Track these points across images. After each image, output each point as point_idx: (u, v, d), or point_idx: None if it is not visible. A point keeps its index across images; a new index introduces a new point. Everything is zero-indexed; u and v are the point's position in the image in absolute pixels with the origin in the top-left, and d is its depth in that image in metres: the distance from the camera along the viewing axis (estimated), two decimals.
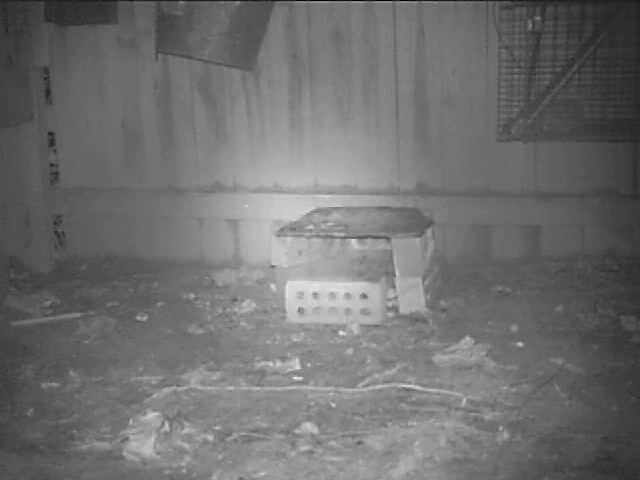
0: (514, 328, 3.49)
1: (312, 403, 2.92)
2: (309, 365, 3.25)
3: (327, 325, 3.63)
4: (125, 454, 2.60)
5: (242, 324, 3.73)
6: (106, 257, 4.63)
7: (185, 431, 2.70)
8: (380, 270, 4.03)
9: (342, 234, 3.87)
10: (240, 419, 2.82)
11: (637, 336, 3.35)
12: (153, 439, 2.61)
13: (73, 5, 4.43)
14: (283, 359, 3.27)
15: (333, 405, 2.90)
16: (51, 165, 4.68)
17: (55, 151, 4.70)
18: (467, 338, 3.29)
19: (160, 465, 2.55)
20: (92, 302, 4.04)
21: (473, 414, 2.77)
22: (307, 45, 4.34)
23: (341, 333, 3.56)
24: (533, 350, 3.27)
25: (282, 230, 3.89)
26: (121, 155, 4.61)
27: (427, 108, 4.27)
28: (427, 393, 2.94)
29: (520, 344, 3.33)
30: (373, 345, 3.42)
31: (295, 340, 3.52)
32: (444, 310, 3.75)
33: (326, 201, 4.32)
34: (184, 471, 2.53)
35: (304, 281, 3.72)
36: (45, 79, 4.61)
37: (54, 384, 3.15)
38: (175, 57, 4.37)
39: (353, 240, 4.15)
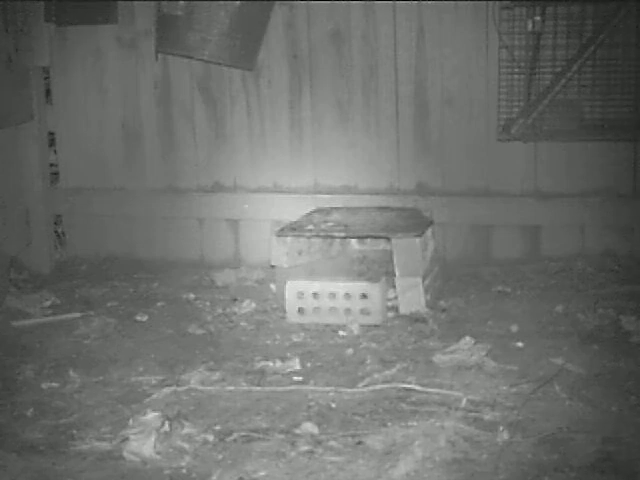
0: (514, 328, 3.49)
1: (312, 403, 2.92)
2: (309, 365, 3.25)
3: (327, 325, 3.63)
4: (125, 454, 2.60)
5: (242, 324, 3.73)
6: (106, 257, 4.63)
7: (185, 431, 2.70)
8: (380, 270, 4.03)
9: (342, 234, 3.87)
10: (240, 419, 2.82)
11: (637, 336, 3.35)
12: (153, 439, 2.61)
13: (73, 5, 4.43)
14: (283, 359, 3.27)
15: (333, 405, 2.90)
16: (51, 165, 4.68)
17: (55, 151, 4.70)
18: (467, 338, 3.29)
19: (160, 465, 2.55)
20: (92, 302, 4.04)
21: (473, 414, 2.77)
22: (307, 45, 4.34)
23: (341, 333, 3.56)
24: (533, 350, 3.27)
25: (282, 230, 3.89)
26: (121, 155, 4.61)
27: (427, 108, 4.27)
28: (427, 393, 2.94)
29: (520, 344, 3.33)
30: (373, 345, 3.42)
31: (295, 340, 3.52)
32: (444, 310, 3.75)
33: (326, 201, 4.32)
34: (184, 471, 2.53)
35: (304, 281, 3.72)
36: (45, 79, 4.61)
37: (54, 384, 3.15)
38: (175, 57, 4.37)
39: (353, 240, 4.15)
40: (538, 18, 3.83)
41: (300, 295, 3.68)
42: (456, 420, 2.72)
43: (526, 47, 3.89)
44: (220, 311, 3.88)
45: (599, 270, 4.06)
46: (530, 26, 3.83)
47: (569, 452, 2.52)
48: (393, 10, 4.22)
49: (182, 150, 4.54)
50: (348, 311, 3.62)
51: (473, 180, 4.26)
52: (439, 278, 3.97)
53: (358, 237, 4.08)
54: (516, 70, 3.93)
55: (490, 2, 4.02)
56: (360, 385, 3.04)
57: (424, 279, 3.71)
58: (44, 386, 3.14)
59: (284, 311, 3.73)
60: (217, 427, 2.76)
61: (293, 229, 3.89)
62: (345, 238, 4.04)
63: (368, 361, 3.24)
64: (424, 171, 4.31)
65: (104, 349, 3.49)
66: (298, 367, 3.22)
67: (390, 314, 3.70)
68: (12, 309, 3.95)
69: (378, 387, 3.01)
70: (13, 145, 4.43)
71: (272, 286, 4.03)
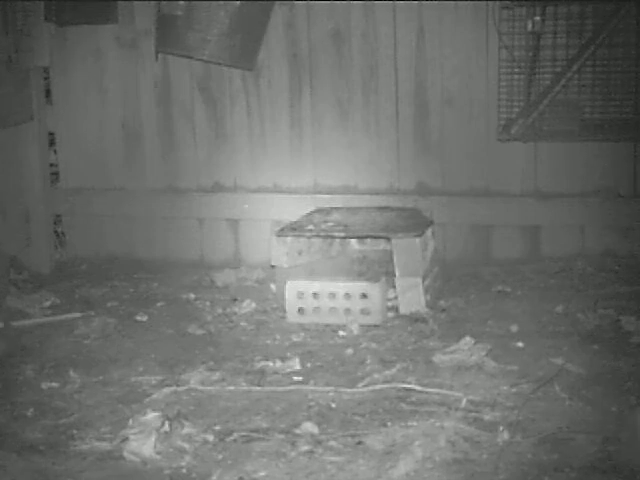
0: (514, 328, 3.49)
1: (312, 403, 2.92)
2: (309, 365, 3.25)
3: (327, 325, 3.63)
4: (125, 454, 2.60)
5: (242, 324, 3.73)
6: (106, 257, 4.63)
7: (185, 431, 2.70)
8: (380, 270, 4.03)
9: (342, 234, 3.87)
10: (240, 419, 2.82)
11: (637, 336, 3.35)
12: (153, 439, 2.61)
13: (73, 5, 4.43)
14: (283, 359, 3.27)
15: (333, 405, 2.90)
16: (51, 165, 4.68)
17: (55, 151, 4.70)
18: (467, 338, 3.28)
19: (160, 465, 2.55)
20: (92, 302, 4.04)
21: (473, 414, 2.77)
22: (307, 45, 4.34)
23: (341, 333, 3.56)
24: (533, 350, 3.27)
25: (282, 230, 3.89)
26: (121, 155, 4.61)
27: (427, 108, 4.27)
28: (427, 393, 2.94)
29: (520, 344, 3.33)
30: (373, 345, 3.41)
31: (295, 340, 3.52)
32: (444, 310, 3.75)
33: (326, 201, 4.32)
34: (184, 471, 2.53)
35: (304, 281, 3.72)
36: (45, 79, 4.61)
37: (54, 384, 3.15)
38: (175, 57, 4.37)
39: (353, 240, 4.15)
40: (538, 18, 3.83)
41: (300, 295, 3.68)
42: (456, 420, 2.72)
43: (526, 47, 3.89)
44: (220, 311, 3.88)
45: (599, 270, 4.06)
46: (530, 26, 3.83)
47: (569, 452, 2.52)
48: (393, 10, 4.22)
49: (182, 150, 4.54)
50: (348, 311, 3.62)
51: (473, 180, 4.26)
52: (439, 278, 3.97)
53: (358, 237, 4.08)
54: (516, 70, 3.93)
55: (490, 2, 4.02)
56: (360, 385, 3.04)
57: (424, 279, 3.71)
58: (44, 386, 3.14)
59: (284, 311, 3.73)
60: (217, 427, 2.76)
61: (293, 229, 3.89)
62: (345, 238, 4.04)
63: (368, 361, 3.24)
64: (424, 171, 4.31)
65: (104, 349, 3.49)
66: (298, 367, 3.22)
67: (390, 314, 3.70)
68: (12, 309, 3.95)
69: (378, 387, 3.01)
70: (13, 145, 4.43)
71: (272, 286, 4.03)
